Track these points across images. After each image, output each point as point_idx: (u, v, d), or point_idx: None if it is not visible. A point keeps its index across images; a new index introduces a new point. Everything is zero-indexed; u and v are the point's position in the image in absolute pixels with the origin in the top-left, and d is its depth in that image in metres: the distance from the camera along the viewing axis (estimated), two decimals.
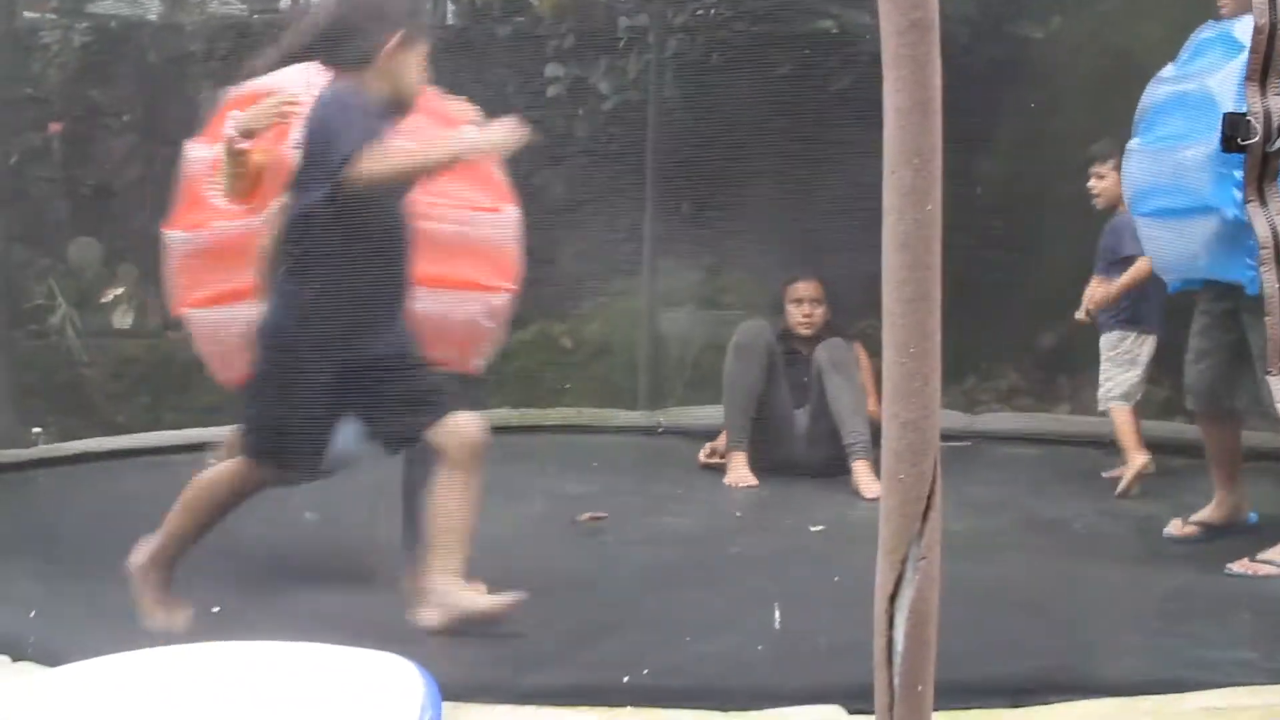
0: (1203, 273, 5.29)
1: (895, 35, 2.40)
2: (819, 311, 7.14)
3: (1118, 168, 6.54)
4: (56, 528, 5.67)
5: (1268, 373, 3.39)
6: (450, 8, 10.31)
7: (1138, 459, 6.65)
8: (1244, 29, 5.04)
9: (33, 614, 4.51)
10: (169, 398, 8.85)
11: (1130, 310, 6.81)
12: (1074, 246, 7.02)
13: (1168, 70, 5.47)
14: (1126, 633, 4.57)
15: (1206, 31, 5.40)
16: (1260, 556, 5.21)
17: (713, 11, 9.28)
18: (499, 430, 8.21)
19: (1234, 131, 3.46)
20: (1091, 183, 6.90)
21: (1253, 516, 5.68)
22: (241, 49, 9.90)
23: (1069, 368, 7.66)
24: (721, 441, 7.19)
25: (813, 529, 5.98)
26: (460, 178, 4.92)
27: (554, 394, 8.96)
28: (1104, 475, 6.89)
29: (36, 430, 7.58)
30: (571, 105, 9.72)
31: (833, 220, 8.11)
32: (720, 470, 7.07)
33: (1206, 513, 5.67)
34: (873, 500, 6.35)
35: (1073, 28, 8.42)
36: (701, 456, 7.37)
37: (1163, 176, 5.26)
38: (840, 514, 6.24)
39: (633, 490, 6.76)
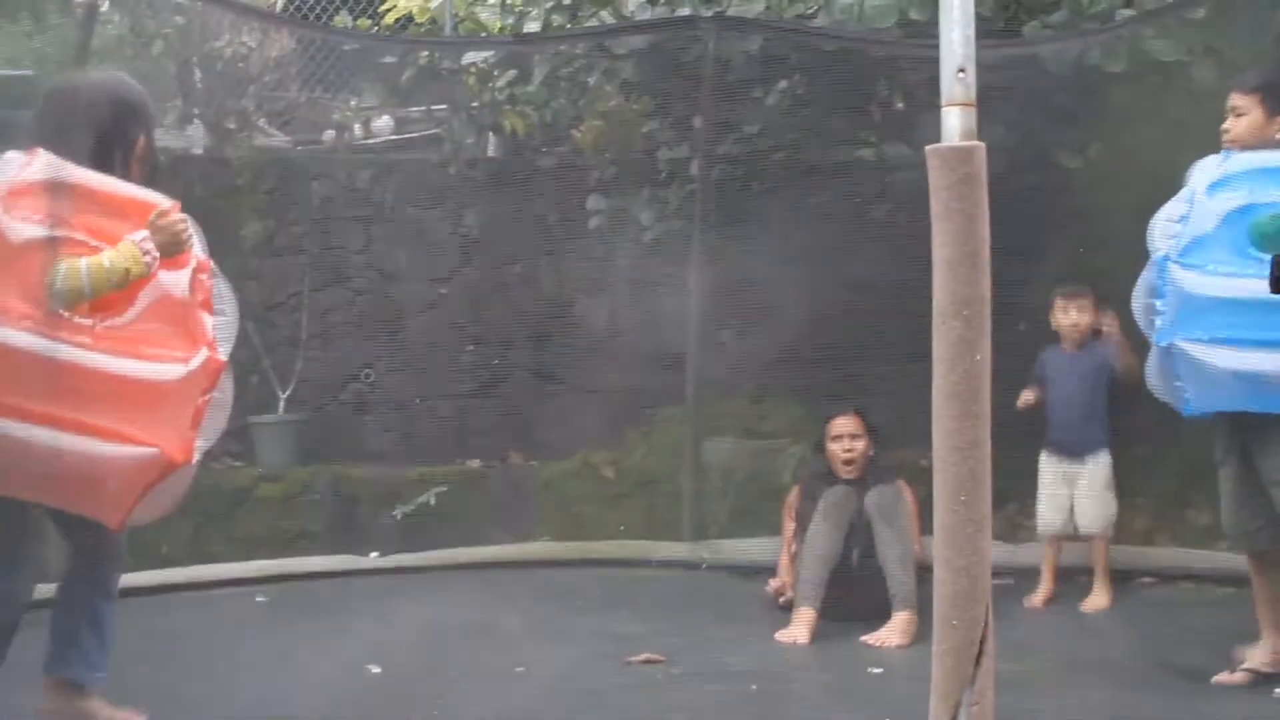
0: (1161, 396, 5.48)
1: (944, 189, 2.44)
2: (859, 445, 7.14)
3: (1094, 303, 6.94)
4: None
5: None
6: (491, 140, 10.42)
7: None
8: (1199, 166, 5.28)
9: None
10: (213, 530, 8.88)
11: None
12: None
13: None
14: None
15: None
16: None
17: (753, 141, 9.34)
18: (543, 564, 8.33)
19: None
20: (1074, 318, 7.19)
21: None
22: (286, 181, 10.06)
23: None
24: (787, 582, 7.16)
25: (871, 671, 5.98)
26: (152, 316, 4.52)
27: (598, 524, 8.97)
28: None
29: None
30: (613, 235, 9.80)
31: (873, 346, 8.20)
32: (784, 606, 7.06)
33: (1255, 657, 5.60)
34: (899, 648, 6.40)
35: (1110, 156, 8.48)
36: (771, 589, 7.38)
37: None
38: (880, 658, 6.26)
39: (681, 631, 6.75)
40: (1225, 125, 5.55)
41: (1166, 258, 5.20)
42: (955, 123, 2.45)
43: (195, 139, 10.42)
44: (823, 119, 9.10)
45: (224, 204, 9.75)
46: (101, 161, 4.60)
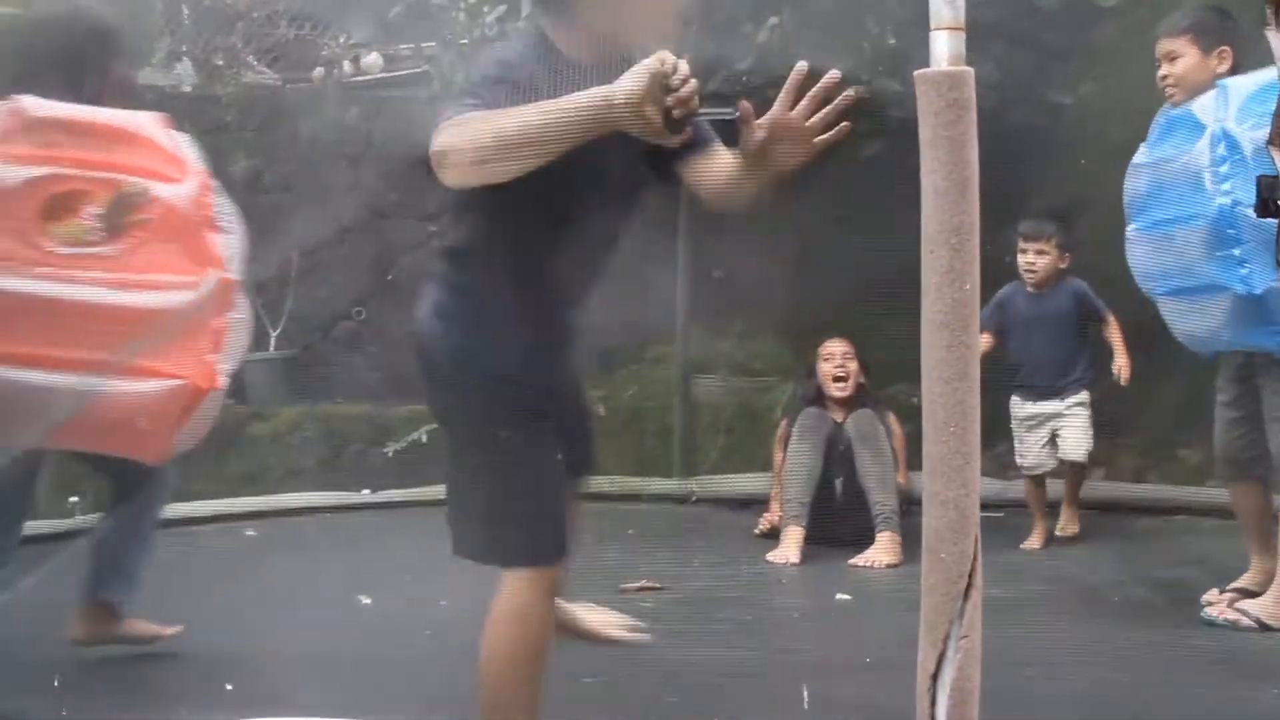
0: (1229, 345, 5.30)
1: (932, 116, 2.41)
2: (851, 366, 7.20)
3: (1058, 243, 6.83)
4: None
5: None
6: None
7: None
8: (1202, 108, 5.11)
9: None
10: (201, 468, 8.86)
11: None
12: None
13: (1141, 154, 5.50)
14: (1165, 701, 4.57)
15: (1169, 113, 5.45)
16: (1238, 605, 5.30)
17: (744, 78, 9.28)
18: None
19: (1270, 194, 3.45)
20: (1031, 259, 7.11)
21: None
22: (275, 119, 10.00)
23: (1106, 432, 7.63)
24: (776, 515, 7.25)
25: (839, 597, 6.03)
26: (154, 238, 4.37)
27: None
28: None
29: (73, 499, 7.57)
30: None
31: (863, 285, 8.17)
32: (774, 539, 7.16)
33: (1244, 580, 5.63)
34: (888, 568, 6.47)
35: (1102, 94, 8.44)
36: (759, 530, 7.50)
37: (1168, 259, 5.28)
38: (868, 581, 6.31)
39: (669, 560, 6.79)
40: (1162, 72, 5.52)
41: None
42: (944, 47, 2.42)
43: (183, 76, 10.35)
44: (814, 55, 9.04)
45: (212, 141, 9.68)
46: (76, 97, 4.51)
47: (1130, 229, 5.58)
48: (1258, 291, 4.91)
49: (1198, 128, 5.14)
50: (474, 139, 3.03)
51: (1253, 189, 4.71)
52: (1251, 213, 4.75)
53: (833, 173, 8.39)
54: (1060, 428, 7.26)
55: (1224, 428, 5.61)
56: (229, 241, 4.60)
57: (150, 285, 4.32)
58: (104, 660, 5.00)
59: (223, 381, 4.52)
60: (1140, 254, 5.53)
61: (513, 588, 3.47)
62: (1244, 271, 4.92)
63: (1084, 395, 7.24)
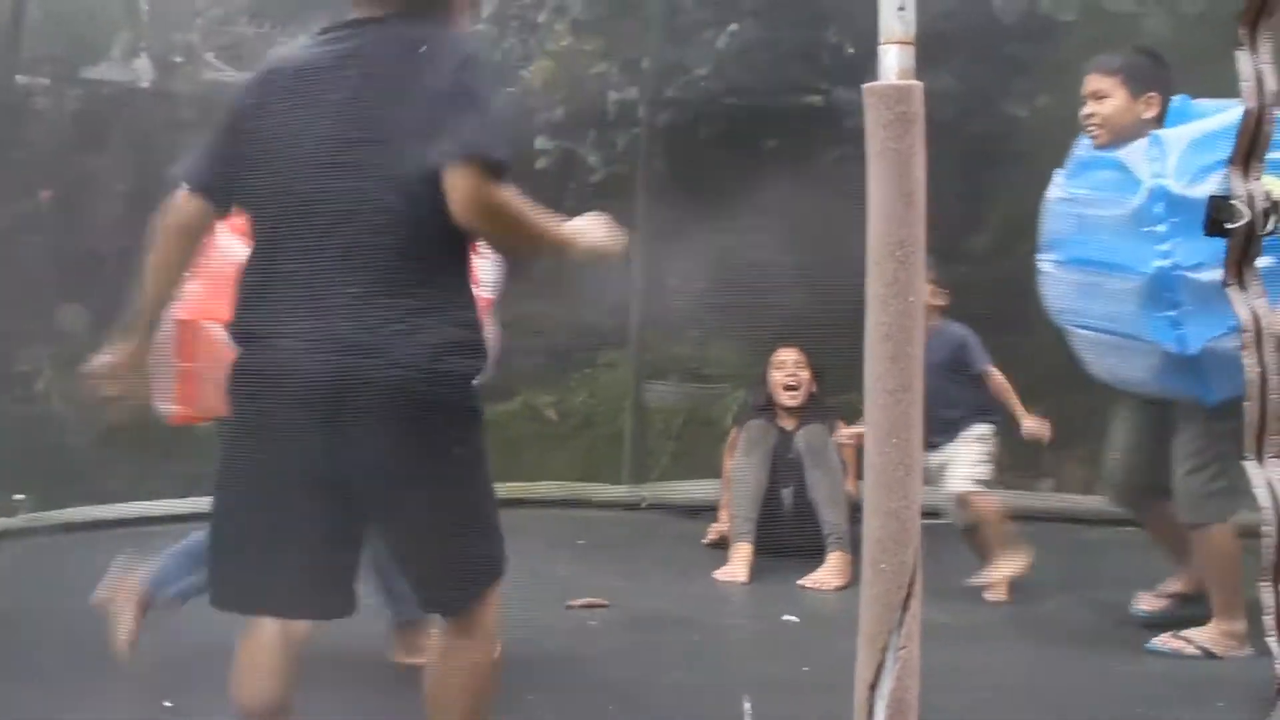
0: (1158, 392, 5.23)
1: (880, 128, 2.42)
2: (803, 375, 7.16)
3: (933, 279, 6.41)
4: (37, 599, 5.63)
5: (1243, 457, 3.39)
6: None
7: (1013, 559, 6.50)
8: (1134, 159, 5.01)
9: None
10: (156, 466, 8.81)
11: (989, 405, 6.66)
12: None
13: (1059, 188, 5.44)
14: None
15: (1085, 151, 5.40)
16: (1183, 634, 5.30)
17: (702, 85, 9.30)
18: None
19: (1220, 215, 3.46)
20: None
21: None
22: None
23: (1053, 443, 7.64)
24: (725, 524, 7.21)
25: (785, 619, 6.02)
26: None
27: (539, 466, 8.94)
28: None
29: (19, 497, 7.53)
30: (560, 178, 9.75)
31: (819, 293, 8.19)
32: (723, 548, 7.09)
33: (1177, 584, 5.64)
34: (838, 590, 6.44)
35: (1058, 106, 8.48)
36: (706, 540, 7.42)
37: (1092, 302, 5.22)
38: (817, 602, 6.29)
39: (618, 571, 6.77)
40: (1086, 110, 5.41)
41: None
42: (893, 61, 2.43)
43: (141, 72, 10.31)
44: (773, 63, 9.06)
45: (170, 139, 9.65)
46: None
47: (1046, 260, 5.50)
48: (1192, 352, 4.86)
49: (1129, 178, 5.03)
50: (521, 225, 3.26)
51: (1193, 251, 4.67)
52: (1191, 275, 4.73)
53: (789, 180, 8.47)
54: (950, 465, 6.62)
55: (1122, 455, 5.52)
56: (487, 264, 4.63)
57: None
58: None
59: None
60: (1058, 288, 5.45)
61: (478, 631, 3.42)
62: (1179, 332, 4.86)
63: (980, 429, 6.66)
